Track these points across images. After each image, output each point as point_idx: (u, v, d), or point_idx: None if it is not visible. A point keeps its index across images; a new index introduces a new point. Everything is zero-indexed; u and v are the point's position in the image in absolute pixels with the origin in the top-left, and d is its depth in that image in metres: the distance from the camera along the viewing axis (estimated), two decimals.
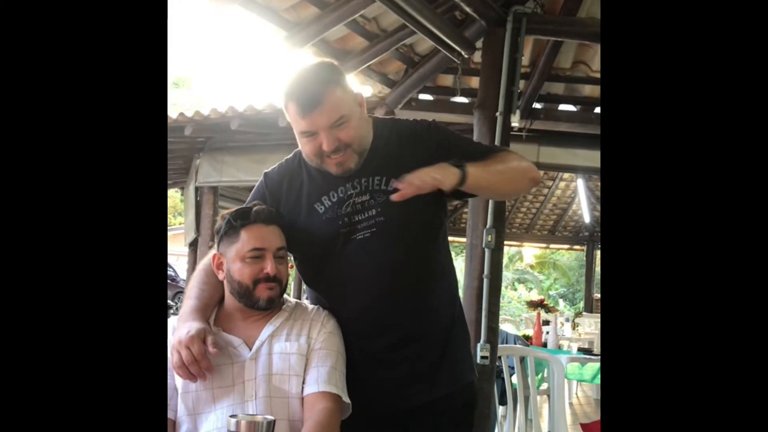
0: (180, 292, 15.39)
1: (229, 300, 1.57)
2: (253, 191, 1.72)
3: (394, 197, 1.45)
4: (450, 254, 1.73)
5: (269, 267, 1.50)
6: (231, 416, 1.27)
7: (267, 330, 1.53)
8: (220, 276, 1.57)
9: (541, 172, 8.33)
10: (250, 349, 1.50)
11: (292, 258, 1.73)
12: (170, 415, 1.48)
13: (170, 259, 19.32)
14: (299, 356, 1.50)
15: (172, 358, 1.44)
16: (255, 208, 1.55)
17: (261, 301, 1.51)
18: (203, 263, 1.64)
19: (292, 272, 1.73)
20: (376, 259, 1.55)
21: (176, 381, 1.48)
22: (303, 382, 1.48)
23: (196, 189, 6.11)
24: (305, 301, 1.69)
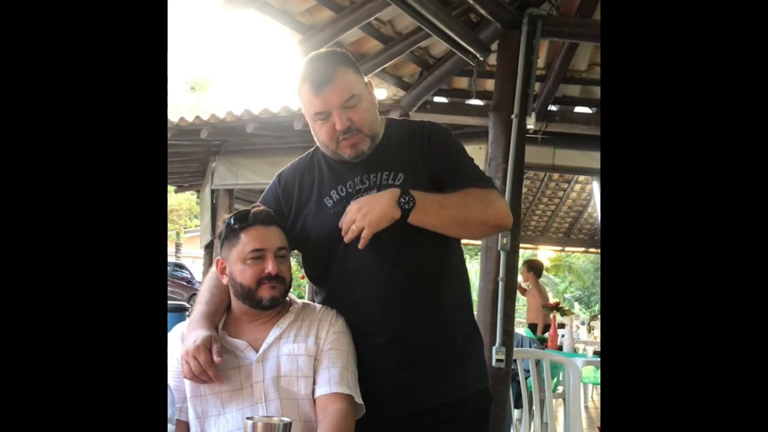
0: (195, 294, 15.46)
1: (235, 303, 1.58)
2: (265, 191, 1.74)
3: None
4: (462, 256, 1.73)
5: (270, 267, 1.51)
6: (248, 418, 1.28)
7: (274, 332, 1.54)
8: (224, 280, 1.58)
9: (556, 175, 8.32)
10: (257, 352, 1.51)
11: (301, 265, 1.74)
12: (183, 417, 1.50)
13: (186, 262, 19.46)
14: (307, 357, 1.50)
15: (182, 367, 1.46)
16: (253, 210, 1.56)
17: (264, 301, 1.52)
18: (213, 267, 1.66)
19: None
20: (381, 254, 1.55)
21: (186, 385, 1.50)
22: (314, 383, 1.48)
23: (212, 192, 6.14)
24: (312, 302, 1.69)
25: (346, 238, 1.52)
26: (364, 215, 1.48)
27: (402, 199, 1.49)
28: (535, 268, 6.74)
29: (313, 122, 1.59)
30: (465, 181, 1.60)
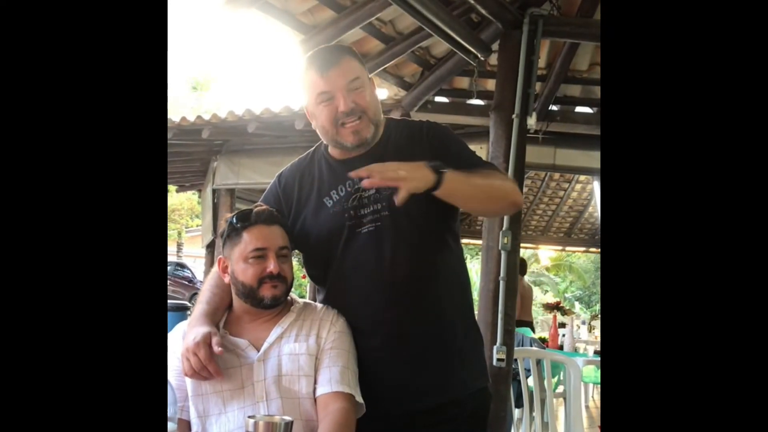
0: (196, 293, 15.42)
1: (237, 302, 1.59)
2: (266, 191, 1.75)
3: (365, 183, 1.43)
4: (462, 256, 1.73)
5: (272, 266, 1.52)
6: (249, 417, 1.29)
7: (275, 332, 1.54)
8: (226, 279, 1.58)
9: (557, 174, 8.32)
10: (258, 351, 1.52)
11: (303, 264, 1.74)
12: (184, 416, 1.50)
13: (187, 261, 19.46)
14: (308, 356, 1.51)
15: (182, 364, 1.46)
16: (255, 210, 1.57)
17: (266, 300, 1.53)
18: (215, 267, 1.66)
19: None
20: (379, 253, 1.56)
21: (187, 384, 1.50)
22: (315, 383, 1.49)
23: (214, 191, 6.14)
24: (314, 302, 1.70)
25: (370, 183, 1.42)
26: (402, 170, 1.41)
27: (434, 165, 1.44)
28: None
29: (316, 106, 1.58)
30: (474, 164, 1.60)
